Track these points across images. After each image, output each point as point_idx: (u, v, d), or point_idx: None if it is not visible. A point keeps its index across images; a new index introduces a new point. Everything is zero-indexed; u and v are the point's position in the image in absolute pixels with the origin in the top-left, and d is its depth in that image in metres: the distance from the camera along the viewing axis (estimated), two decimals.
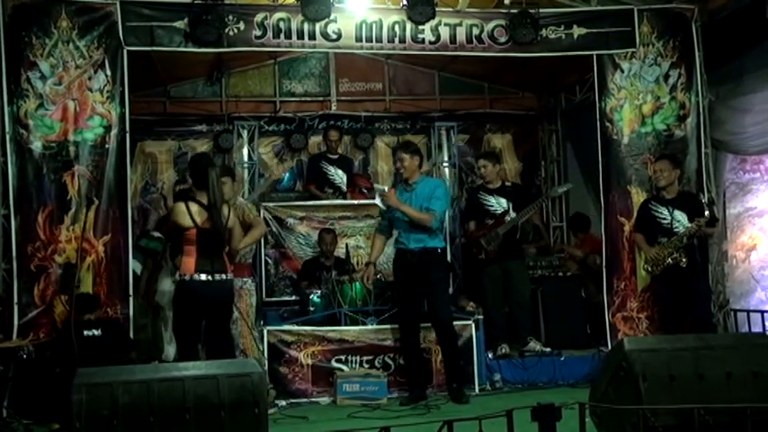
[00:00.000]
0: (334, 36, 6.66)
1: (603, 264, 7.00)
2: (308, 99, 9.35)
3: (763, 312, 7.04)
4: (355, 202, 8.13)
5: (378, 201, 6.10)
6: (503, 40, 6.85)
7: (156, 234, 6.76)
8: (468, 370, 6.42)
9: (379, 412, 5.67)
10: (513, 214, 6.87)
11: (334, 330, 6.39)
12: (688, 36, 7.06)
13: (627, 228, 6.86)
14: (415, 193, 6.03)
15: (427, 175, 6.37)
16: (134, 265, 6.86)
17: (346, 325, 6.49)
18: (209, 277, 5.15)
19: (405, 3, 6.67)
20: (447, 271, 6.36)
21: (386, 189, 6.08)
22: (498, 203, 6.97)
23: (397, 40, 6.77)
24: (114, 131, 6.22)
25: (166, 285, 5.84)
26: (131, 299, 6.15)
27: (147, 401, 3.27)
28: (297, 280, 7.78)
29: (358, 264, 7.61)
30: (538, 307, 7.36)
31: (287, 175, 9.06)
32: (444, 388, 6.17)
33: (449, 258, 8.49)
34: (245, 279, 6.15)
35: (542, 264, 7.74)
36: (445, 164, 9.45)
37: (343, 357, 6.32)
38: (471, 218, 7.26)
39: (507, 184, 7.26)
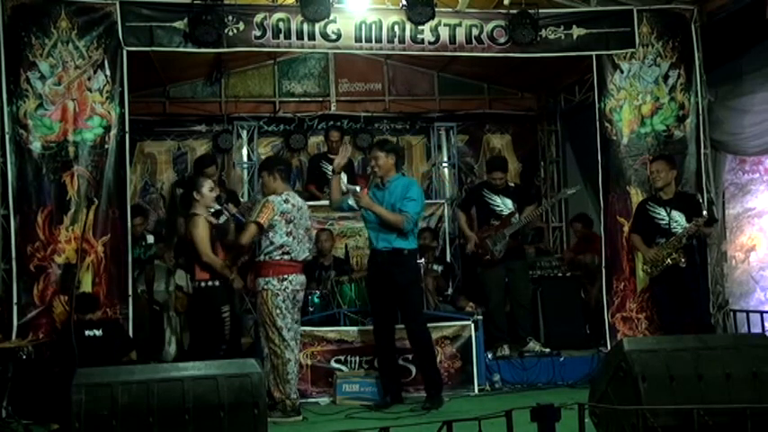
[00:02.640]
0: (334, 36, 6.66)
1: (603, 264, 7.01)
2: (308, 99, 9.36)
3: (762, 313, 7.04)
4: None
5: (351, 201, 5.88)
6: (502, 40, 6.85)
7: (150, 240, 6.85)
8: (467, 370, 6.44)
9: (378, 413, 5.67)
10: (518, 215, 6.88)
11: (333, 331, 6.39)
12: (687, 37, 7.06)
13: (626, 228, 6.85)
14: (389, 191, 5.88)
15: (402, 174, 6.26)
16: None
17: (345, 325, 6.49)
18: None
19: (404, 3, 6.67)
20: (417, 273, 6.09)
21: (358, 189, 5.88)
22: (504, 204, 6.97)
23: (396, 40, 6.76)
24: (114, 132, 6.21)
25: (162, 285, 5.85)
26: (131, 299, 6.15)
27: (146, 402, 3.27)
28: None
29: (357, 264, 7.62)
30: (537, 307, 7.36)
31: None
32: (444, 388, 6.17)
33: (448, 259, 8.52)
34: (267, 279, 5.59)
35: (542, 264, 7.75)
36: (444, 164, 9.47)
37: (342, 358, 6.32)
38: (467, 209, 7.22)
39: (510, 184, 7.25)
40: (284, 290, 5.57)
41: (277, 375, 5.53)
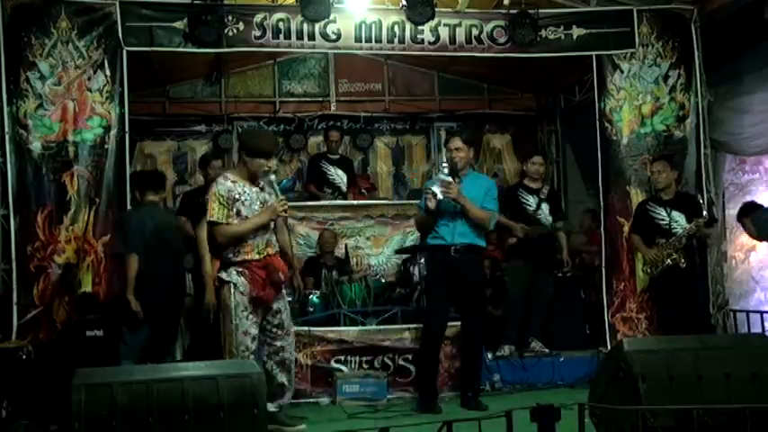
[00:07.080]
0: (334, 36, 6.66)
1: (603, 264, 7.00)
2: (308, 99, 9.36)
3: (762, 313, 7.04)
4: (354, 202, 8.13)
5: (437, 190, 5.57)
6: (502, 40, 6.85)
7: None
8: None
9: (378, 413, 5.66)
10: (549, 217, 6.87)
11: (333, 331, 6.38)
12: (687, 37, 7.06)
13: (626, 228, 6.86)
14: (463, 187, 5.70)
15: (473, 169, 6.19)
16: None
17: (345, 325, 6.49)
18: None
19: (404, 3, 6.67)
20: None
21: (452, 180, 5.62)
22: (534, 203, 6.93)
23: (396, 40, 6.77)
24: (113, 132, 6.22)
25: None
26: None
27: (146, 402, 3.26)
28: None
29: (357, 264, 7.62)
30: None
31: None
32: (444, 388, 6.17)
33: None
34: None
35: None
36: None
37: (342, 358, 6.30)
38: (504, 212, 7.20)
39: (546, 187, 7.16)
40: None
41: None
